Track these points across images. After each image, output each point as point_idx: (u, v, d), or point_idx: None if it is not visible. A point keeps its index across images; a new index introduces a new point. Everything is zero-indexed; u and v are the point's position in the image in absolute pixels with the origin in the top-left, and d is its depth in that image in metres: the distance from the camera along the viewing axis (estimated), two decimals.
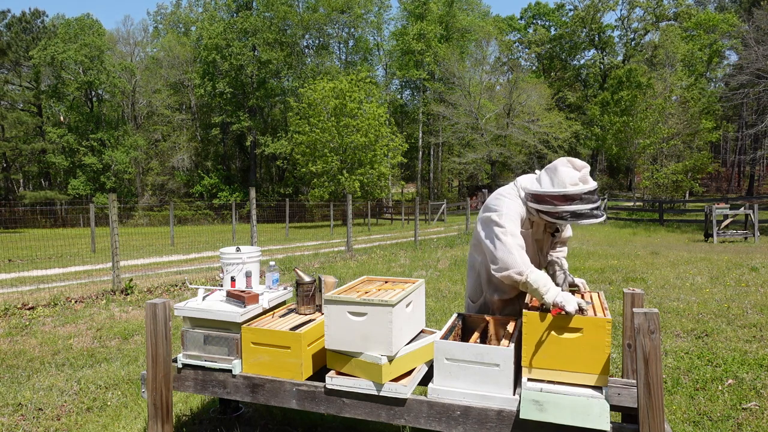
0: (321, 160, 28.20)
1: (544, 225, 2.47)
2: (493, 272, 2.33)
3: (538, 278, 2.16)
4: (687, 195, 32.94)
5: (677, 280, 7.00)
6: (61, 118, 39.61)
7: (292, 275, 7.75)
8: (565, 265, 2.61)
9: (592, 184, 2.22)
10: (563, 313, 2.04)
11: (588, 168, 2.27)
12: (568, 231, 2.67)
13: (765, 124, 23.64)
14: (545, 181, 2.29)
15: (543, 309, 2.22)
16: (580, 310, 2.03)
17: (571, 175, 2.22)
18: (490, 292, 2.64)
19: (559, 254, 2.65)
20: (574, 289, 2.49)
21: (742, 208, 14.39)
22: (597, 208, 2.21)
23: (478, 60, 40.88)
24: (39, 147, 37.90)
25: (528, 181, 2.41)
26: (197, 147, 43.86)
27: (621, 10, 44.72)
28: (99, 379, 3.80)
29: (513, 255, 2.24)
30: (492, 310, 2.66)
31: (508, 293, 2.60)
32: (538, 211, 2.30)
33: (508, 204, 2.36)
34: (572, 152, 42.17)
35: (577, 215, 2.20)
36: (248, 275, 2.79)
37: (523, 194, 2.37)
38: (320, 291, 2.68)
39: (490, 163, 36.87)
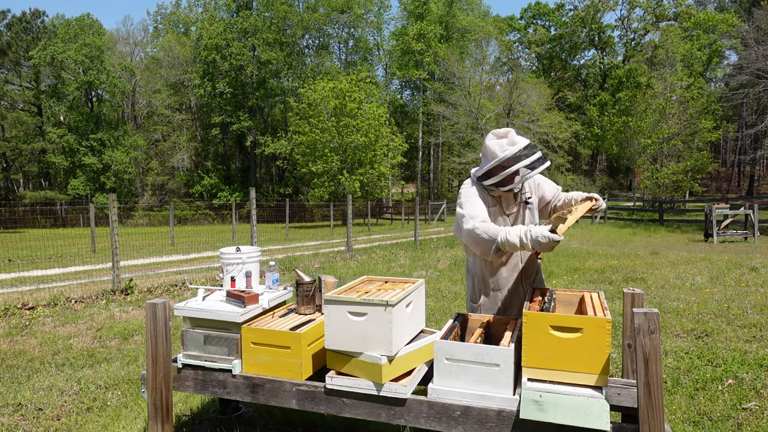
0: (321, 160, 28.20)
1: (513, 197, 2.55)
2: (487, 259, 2.46)
3: (508, 236, 2.22)
4: (687, 195, 32.94)
5: (677, 280, 7.00)
6: (61, 118, 39.60)
7: (292, 275, 7.75)
8: (568, 195, 2.62)
9: (522, 143, 2.34)
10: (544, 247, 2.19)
11: (512, 131, 2.40)
12: (546, 193, 2.65)
13: (765, 124, 23.64)
14: (483, 161, 2.46)
15: (543, 309, 2.23)
16: (553, 233, 2.13)
17: (499, 143, 2.37)
18: (486, 291, 2.65)
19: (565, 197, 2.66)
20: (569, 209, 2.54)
21: (742, 208, 14.39)
22: (537, 160, 2.32)
23: (478, 60, 40.87)
24: (39, 147, 37.90)
25: (475, 169, 2.58)
26: (197, 147, 43.86)
27: (621, 10, 44.79)
28: (99, 379, 3.80)
29: (480, 237, 2.29)
30: (492, 309, 2.66)
31: (505, 291, 2.61)
32: (493, 186, 2.43)
33: (465, 191, 2.52)
34: (572, 152, 42.20)
35: (521, 174, 2.33)
36: (248, 275, 2.79)
37: (475, 179, 2.54)
38: (320, 291, 2.68)
39: None
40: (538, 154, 2.32)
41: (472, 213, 2.38)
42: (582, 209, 2.39)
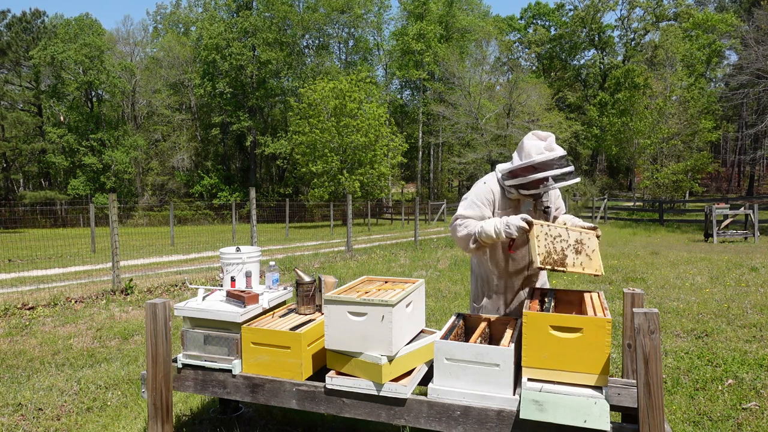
0: (321, 160, 28.20)
1: (533, 204, 2.51)
2: (466, 252, 2.55)
3: (483, 227, 2.33)
4: (687, 195, 32.94)
5: (677, 280, 7.00)
6: (61, 118, 39.59)
7: (292, 275, 7.75)
8: (566, 220, 2.61)
9: (559, 152, 2.31)
10: (514, 239, 2.32)
11: (552, 137, 2.37)
12: (560, 209, 2.67)
13: (765, 124, 23.64)
14: (515, 158, 2.42)
15: (543, 309, 2.23)
16: (528, 224, 2.21)
17: (536, 145, 2.33)
18: (489, 293, 2.65)
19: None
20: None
21: (742, 208, 14.39)
22: (568, 173, 2.29)
23: (478, 60, 40.85)
24: (39, 147, 37.88)
25: (505, 164, 2.53)
26: (197, 147, 43.85)
27: (621, 10, 44.77)
28: (99, 379, 3.80)
29: (460, 234, 2.42)
30: (492, 312, 2.66)
31: (508, 296, 2.61)
32: (515, 187, 2.40)
33: (476, 190, 2.51)
34: (572, 152, 42.19)
35: (549, 181, 2.28)
36: (248, 275, 2.79)
37: (500, 175, 2.49)
38: (320, 291, 2.68)
39: (490, 163, 36.84)
40: (571, 168, 2.29)
41: (463, 213, 2.45)
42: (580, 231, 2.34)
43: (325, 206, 27.97)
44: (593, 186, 38.40)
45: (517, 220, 2.24)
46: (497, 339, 2.46)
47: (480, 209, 2.44)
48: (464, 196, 2.54)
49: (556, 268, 2.19)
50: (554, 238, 2.24)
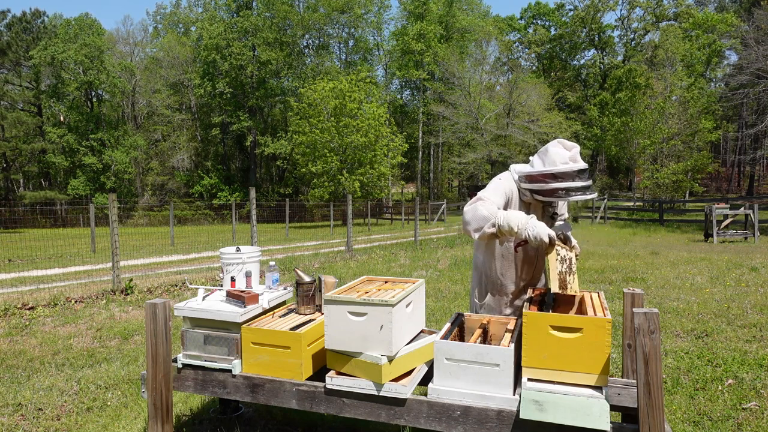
0: (321, 160, 28.20)
1: (542, 208, 2.51)
2: (478, 241, 2.42)
3: (507, 216, 2.19)
4: (687, 195, 32.94)
5: (677, 280, 7.00)
6: (61, 118, 39.59)
7: (292, 275, 7.75)
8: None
9: (582, 164, 2.29)
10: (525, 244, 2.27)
11: (578, 148, 2.33)
12: (564, 214, 2.67)
13: (765, 124, 23.65)
14: (537, 162, 2.38)
15: (543, 309, 2.23)
16: (550, 242, 2.13)
17: (561, 154, 2.30)
18: (494, 290, 2.64)
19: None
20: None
21: (742, 208, 14.39)
22: (587, 187, 2.28)
23: (478, 60, 40.88)
24: (39, 147, 37.90)
25: (522, 166, 2.49)
26: (197, 147, 43.86)
27: (621, 10, 44.80)
28: (99, 379, 3.80)
29: (480, 212, 2.25)
30: (496, 309, 2.66)
31: (514, 293, 2.61)
32: (531, 191, 2.37)
33: (494, 183, 2.46)
34: None
35: (567, 192, 2.26)
36: (248, 275, 2.79)
37: (516, 176, 2.45)
38: (320, 291, 2.68)
39: (490, 163, 36.88)
40: (590, 182, 2.29)
41: (489, 195, 2.34)
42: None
43: (325, 206, 27.97)
44: (593, 186, 38.40)
45: (544, 233, 2.13)
46: (497, 339, 2.46)
47: (502, 198, 2.40)
48: (486, 186, 2.47)
49: (564, 292, 2.23)
50: (564, 261, 2.24)
